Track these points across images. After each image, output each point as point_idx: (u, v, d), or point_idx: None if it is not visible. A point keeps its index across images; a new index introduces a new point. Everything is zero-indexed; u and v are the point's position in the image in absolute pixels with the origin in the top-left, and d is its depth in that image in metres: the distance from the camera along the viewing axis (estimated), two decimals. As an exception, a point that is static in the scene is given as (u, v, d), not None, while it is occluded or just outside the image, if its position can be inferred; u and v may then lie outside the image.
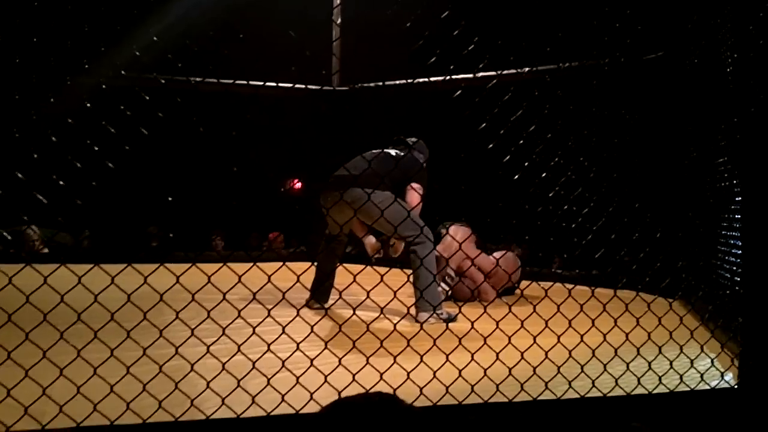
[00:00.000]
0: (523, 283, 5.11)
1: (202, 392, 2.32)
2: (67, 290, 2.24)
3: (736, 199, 3.44)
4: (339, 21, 6.68)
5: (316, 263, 4.56)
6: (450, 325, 2.97)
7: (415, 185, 4.34)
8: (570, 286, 3.23)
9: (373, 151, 4.45)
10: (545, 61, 5.28)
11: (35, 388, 2.17)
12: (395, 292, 2.69)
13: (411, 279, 4.12)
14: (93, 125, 2.93)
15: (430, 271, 4.06)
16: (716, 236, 3.92)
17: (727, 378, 2.91)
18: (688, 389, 2.77)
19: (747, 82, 2.80)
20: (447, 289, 5.00)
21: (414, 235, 4.12)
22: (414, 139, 4.71)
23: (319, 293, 4.45)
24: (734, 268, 3.48)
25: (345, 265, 3.72)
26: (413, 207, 4.18)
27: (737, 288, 3.28)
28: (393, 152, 4.49)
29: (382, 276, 2.77)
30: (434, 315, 3.94)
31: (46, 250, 6.49)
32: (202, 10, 5.97)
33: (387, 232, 4.32)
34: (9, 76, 5.82)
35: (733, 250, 3.56)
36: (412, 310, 4.00)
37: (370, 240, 4.58)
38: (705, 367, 2.94)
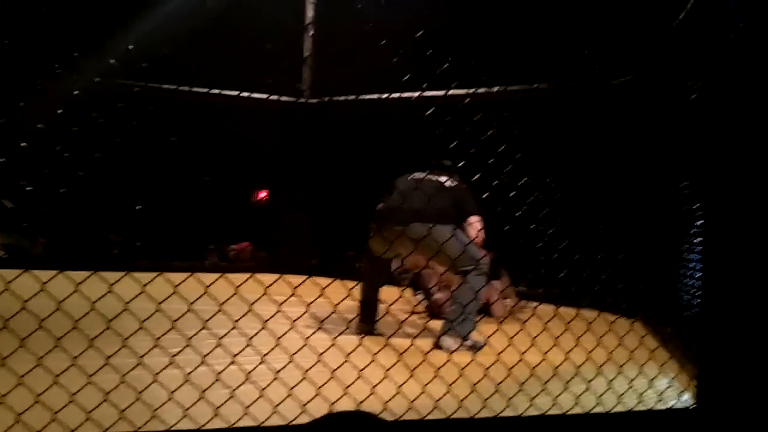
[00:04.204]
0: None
1: (164, 403, 2.30)
2: (29, 297, 2.21)
3: (698, 222, 3.51)
4: (312, 33, 6.71)
5: (361, 286, 4.37)
6: (416, 340, 2.98)
7: (474, 218, 4.23)
8: (534, 304, 3.29)
9: (416, 175, 4.33)
10: (517, 82, 5.36)
11: (-6, 396, 2.13)
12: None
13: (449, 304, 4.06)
14: (64, 131, 2.91)
15: (473, 301, 3.92)
16: (677, 258, 3.99)
17: (684, 398, 2.96)
18: (646, 409, 2.82)
19: (710, 109, 2.87)
20: (422, 301, 5.02)
21: (471, 267, 4.00)
22: (449, 162, 4.47)
23: (367, 315, 4.29)
24: (694, 290, 3.55)
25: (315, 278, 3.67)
26: (477, 240, 4.16)
27: (696, 310, 3.35)
28: (444, 180, 4.29)
29: (350, 289, 2.79)
30: (462, 344, 3.78)
31: (4, 255, 6.39)
32: (179, 20, 5.95)
33: (444, 265, 4.19)
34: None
35: (693, 272, 3.63)
36: (442, 337, 3.89)
37: (438, 296, 4.70)
38: (664, 387, 3.00)
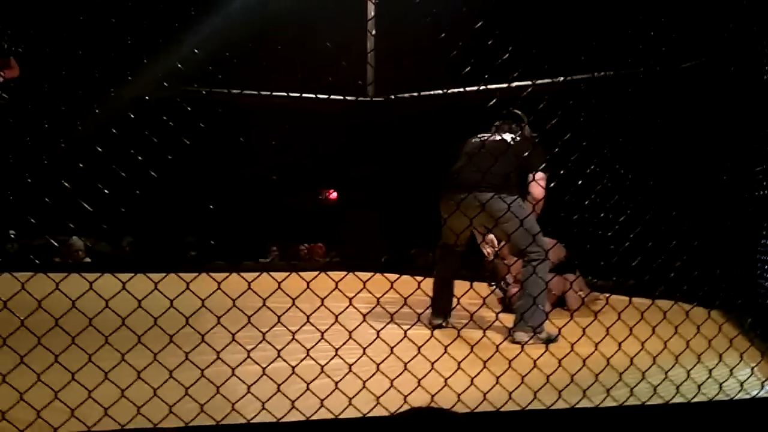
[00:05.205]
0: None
1: (243, 397, 2.36)
2: (110, 297, 2.29)
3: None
4: (374, 31, 6.75)
5: (433, 277, 4.31)
6: (488, 332, 2.98)
7: (539, 177, 4.05)
8: (607, 294, 3.25)
9: (484, 136, 4.21)
10: (580, 71, 5.27)
11: (81, 392, 2.23)
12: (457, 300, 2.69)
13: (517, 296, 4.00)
14: (136, 136, 3.01)
15: (542, 292, 3.84)
16: (755, 244, 3.87)
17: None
18: (728, 398, 2.74)
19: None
20: (500, 295, 4.99)
21: (534, 252, 3.92)
22: (519, 113, 4.33)
23: (439, 308, 4.22)
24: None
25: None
26: (538, 202, 4.06)
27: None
28: (507, 138, 4.17)
29: (419, 283, 2.81)
30: (535, 337, 3.75)
31: (88, 260, 6.64)
32: (239, 23, 6.07)
33: (502, 238, 4.13)
34: (55, 88, 5.98)
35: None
36: (514, 330, 3.86)
37: (513, 290, 4.59)
38: (745, 377, 2.92)
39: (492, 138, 4.16)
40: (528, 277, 3.89)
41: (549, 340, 3.70)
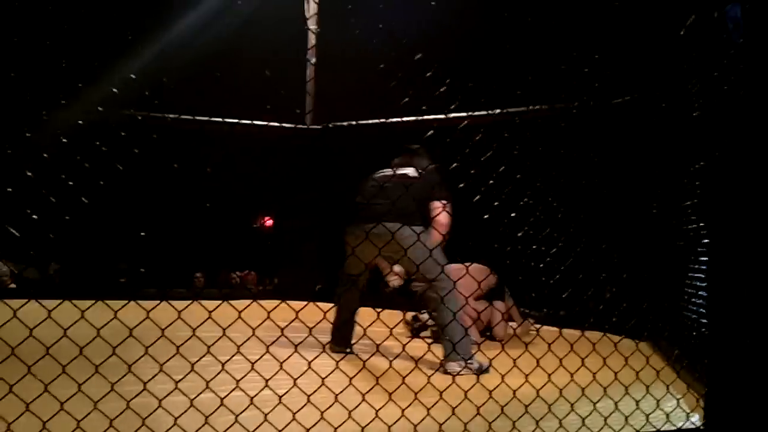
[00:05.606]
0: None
1: (169, 429, 2.30)
2: (36, 324, 2.22)
3: (703, 241, 3.51)
4: (313, 60, 6.77)
5: (337, 305, 4.36)
6: (420, 363, 2.98)
7: (437, 205, 4.17)
8: (538, 326, 3.30)
9: (386, 172, 4.35)
10: (516, 104, 5.39)
11: (0, 424, 2.14)
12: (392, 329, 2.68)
13: (433, 321, 4.00)
14: (68, 160, 2.95)
15: (454, 318, 3.87)
16: (683, 278, 3.98)
17: (693, 419, 2.94)
18: (654, 430, 2.80)
19: (712, 126, 2.88)
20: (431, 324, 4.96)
21: (442, 280, 3.93)
22: (417, 146, 4.47)
23: (340, 337, 4.26)
24: (700, 309, 3.54)
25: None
26: (443, 230, 4.11)
27: (703, 329, 3.34)
28: (410, 171, 4.29)
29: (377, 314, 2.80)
30: (466, 367, 3.78)
31: (13, 285, 6.42)
32: (179, 48, 6.02)
33: (410, 270, 4.20)
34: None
35: (699, 292, 3.63)
36: (445, 361, 3.86)
37: (395, 268, 4.56)
38: (671, 408, 2.98)
39: (395, 172, 4.28)
40: (438, 307, 3.93)
41: (480, 371, 3.73)
